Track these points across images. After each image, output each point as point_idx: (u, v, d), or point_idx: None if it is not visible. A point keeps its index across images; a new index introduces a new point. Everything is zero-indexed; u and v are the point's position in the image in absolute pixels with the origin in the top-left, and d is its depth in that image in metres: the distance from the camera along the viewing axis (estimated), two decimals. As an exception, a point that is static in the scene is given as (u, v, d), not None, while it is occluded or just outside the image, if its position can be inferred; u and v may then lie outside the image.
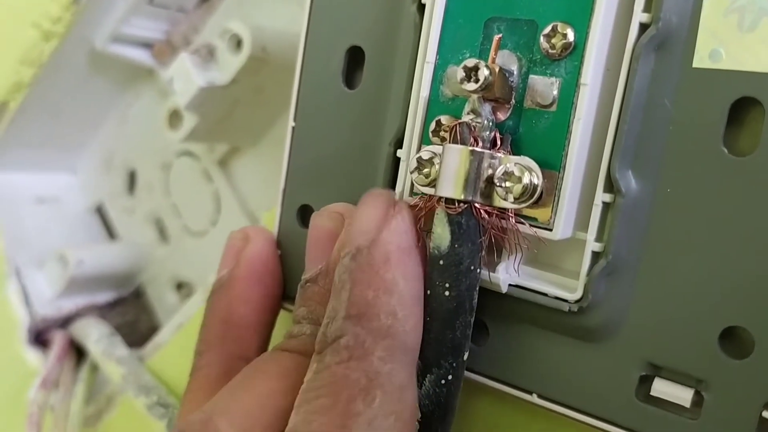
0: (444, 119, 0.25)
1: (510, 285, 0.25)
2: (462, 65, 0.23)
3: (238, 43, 0.36)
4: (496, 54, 0.24)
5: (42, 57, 0.41)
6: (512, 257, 0.24)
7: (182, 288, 0.45)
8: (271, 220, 0.32)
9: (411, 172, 0.25)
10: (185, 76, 0.36)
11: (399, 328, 0.23)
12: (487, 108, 0.24)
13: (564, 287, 0.24)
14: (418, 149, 0.25)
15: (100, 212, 0.48)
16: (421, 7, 0.26)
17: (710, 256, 0.22)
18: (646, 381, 0.23)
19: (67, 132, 0.46)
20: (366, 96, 0.29)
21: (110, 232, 0.48)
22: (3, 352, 0.43)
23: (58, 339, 0.41)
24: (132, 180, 0.46)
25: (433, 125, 0.25)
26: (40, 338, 0.43)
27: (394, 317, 0.23)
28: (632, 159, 0.23)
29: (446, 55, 0.25)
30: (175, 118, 0.38)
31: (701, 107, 0.22)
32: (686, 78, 0.22)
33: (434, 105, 0.26)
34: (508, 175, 0.23)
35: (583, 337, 0.24)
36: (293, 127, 0.30)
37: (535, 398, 0.25)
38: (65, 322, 0.43)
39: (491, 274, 0.25)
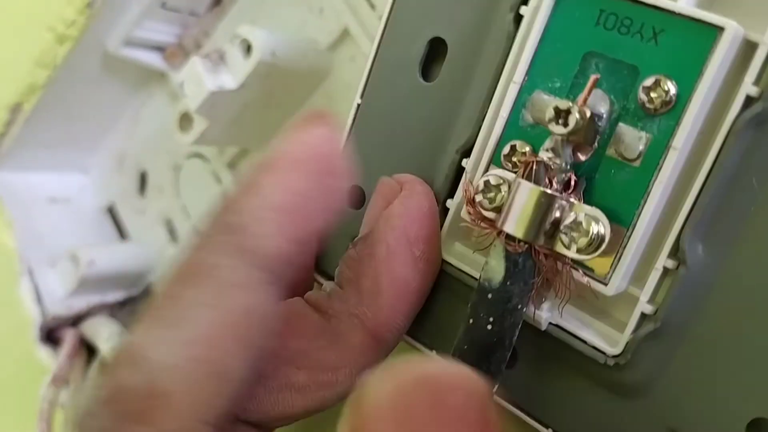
0: (519, 145, 0.24)
1: (550, 323, 0.24)
2: (554, 105, 0.22)
3: (248, 48, 0.36)
4: (589, 95, 0.22)
5: (56, 59, 0.41)
6: (559, 298, 0.24)
7: (191, 288, 0.45)
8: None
9: (476, 194, 0.24)
10: (196, 80, 0.36)
11: (249, 228, 0.22)
12: (568, 151, 0.23)
13: (605, 338, 0.24)
14: (486, 169, 0.25)
15: (111, 212, 0.49)
16: (518, 18, 0.25)
17: (759, 344, 0.22)
18: (665, 447, 0.23)
19: (79, 133, 0.46)
20: (441, 92, 0.27)
21: (121, 233, 0.48)
22: (15, 349, 0.43)
23: (69, 337, 0.42)
24: (143, 181, 0.47)
25: (507, 149, 0.24)
26: (51, 336, 0.43)
27: (249, 217, 0.22)
28: (705, 231, 0.22)
29: (535, 78, 0.24)
30: (185, 121, 0.39)
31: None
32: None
33: (511, 127, 0.24)
34: (576, 225, 0.22)
35: (613, 390, 0.24)
36: (358, 105, 0.29)
37: (549, 433, 0.25)
38: (76, 320, 0.44)
39: (535, 310, 0.24)
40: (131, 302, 0.46)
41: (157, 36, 0.43)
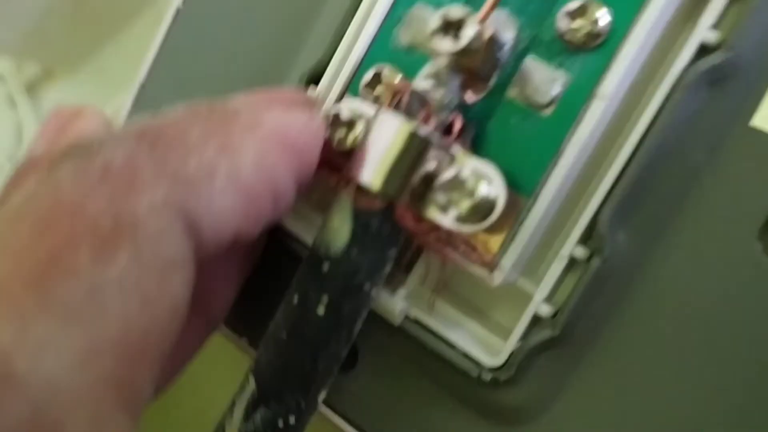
0: (387, 71, 0.20)
1: (407, 317, 0.20)
2: (442, 12, 0.17)
3: None
4: (491, 11, 0.18)
5: None
6: (424, 285, 0.19)
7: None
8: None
9: None
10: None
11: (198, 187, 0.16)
12: (455, 83, 0.18)
13: (483, 344, 0.19)
14: (339, 99, 0.20)
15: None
16: None
17: (691, 366, 0.17)
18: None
19: None
20: (285, 5, 0.23)
21: None
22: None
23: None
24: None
25: (369, 75, 0.20)
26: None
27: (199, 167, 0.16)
28: (630, 214, 0.18)
29: (419, -12, 0.20)
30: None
31: (745, 177, 0.17)
32: (737, 135, 0.17)
33: (379, 49, 0.20)
34: (457, 182, 0.17)
35: (486, 414, 0.19)
36: (178, 9, 0.24)
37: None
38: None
39: (386, 296, 0.19)
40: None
41: None
